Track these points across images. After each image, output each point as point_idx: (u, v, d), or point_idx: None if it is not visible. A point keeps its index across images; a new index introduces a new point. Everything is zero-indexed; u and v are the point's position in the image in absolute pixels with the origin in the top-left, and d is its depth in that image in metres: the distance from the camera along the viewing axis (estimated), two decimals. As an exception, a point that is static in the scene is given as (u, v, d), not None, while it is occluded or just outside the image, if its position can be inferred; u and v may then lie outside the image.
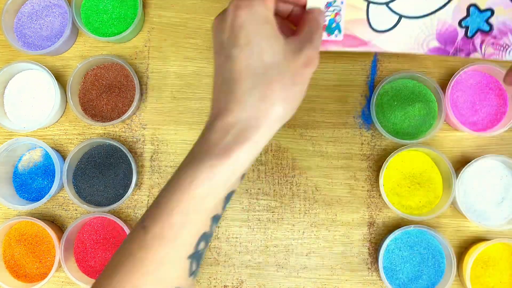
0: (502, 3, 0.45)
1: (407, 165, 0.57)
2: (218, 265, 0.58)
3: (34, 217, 0.56)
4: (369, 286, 0.57)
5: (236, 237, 0.59)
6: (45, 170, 0.58)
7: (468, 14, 0.46)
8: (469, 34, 0.46)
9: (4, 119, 0.58)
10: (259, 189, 0.59)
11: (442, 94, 0.56)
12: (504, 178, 0.56)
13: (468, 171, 0.56)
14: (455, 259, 0.54)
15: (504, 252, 0.56)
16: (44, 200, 0.56)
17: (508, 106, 0.57)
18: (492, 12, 0.45)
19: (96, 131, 0.60)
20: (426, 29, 0.47)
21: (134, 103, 0.57)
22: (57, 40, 0.59)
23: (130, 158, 0.56)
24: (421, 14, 0.47)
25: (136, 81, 0.57)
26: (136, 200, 0.59)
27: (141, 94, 0.59)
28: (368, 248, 0.58)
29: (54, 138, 0.60)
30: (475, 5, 0.46)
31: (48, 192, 0.57)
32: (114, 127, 0.60)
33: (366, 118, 0.59)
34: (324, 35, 0.47)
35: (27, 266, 0.57)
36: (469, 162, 0.55)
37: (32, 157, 0.59)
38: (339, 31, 0.47)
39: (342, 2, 0.47)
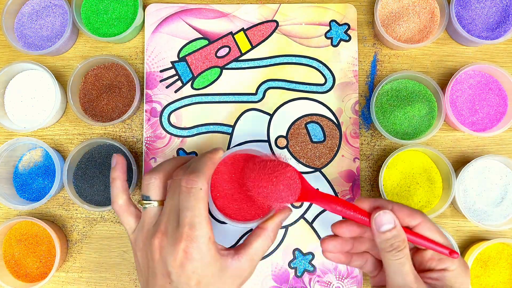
0: (319, 248, 0.53)
1: (407, 165, 0.57)
2: None
3: (35, 217, 0.56)
4: (369, 286, 0.57)
5: None
6: (46, 170, 0.58)
7: (294, 257, 0.55)
8: (298, 273, 0.55)
9: (5, 119, 0.58)
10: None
11: (442, 94, 0.56)
12: (504, 178, 0.56)
13: (468, 171, 0.56)
14: (454, 259, 0.54)
15: (504, 252, 0.56)
16: (44, 200, 0.56)
17: (508, 106, 0.57)
18: (313, 255, 0.55)
19: (96, 131, 0.60)
20: (262, 270, 0.55)
21: (134, 103, 0.57)
22: (58, 40, 0.59)
23: (130, 158, 0.56)
24: None
25: (136, 81, 0.57)
26: (136, 200, 0.59)
27: (141, 94, 0.59)
28: (368, 248, 0.58)
29: (55, 138, 0.60)
30: (298, 249, 0.55)
31: (49, 192, 0.57)
32: (114, 127, 0.60)
33: (366, 118, 0.59)
34: None
35: (28, 265, 0.57)
36: (469, 162, 0.55)
37: (32, 157, 0.59)
38: None
39: None
